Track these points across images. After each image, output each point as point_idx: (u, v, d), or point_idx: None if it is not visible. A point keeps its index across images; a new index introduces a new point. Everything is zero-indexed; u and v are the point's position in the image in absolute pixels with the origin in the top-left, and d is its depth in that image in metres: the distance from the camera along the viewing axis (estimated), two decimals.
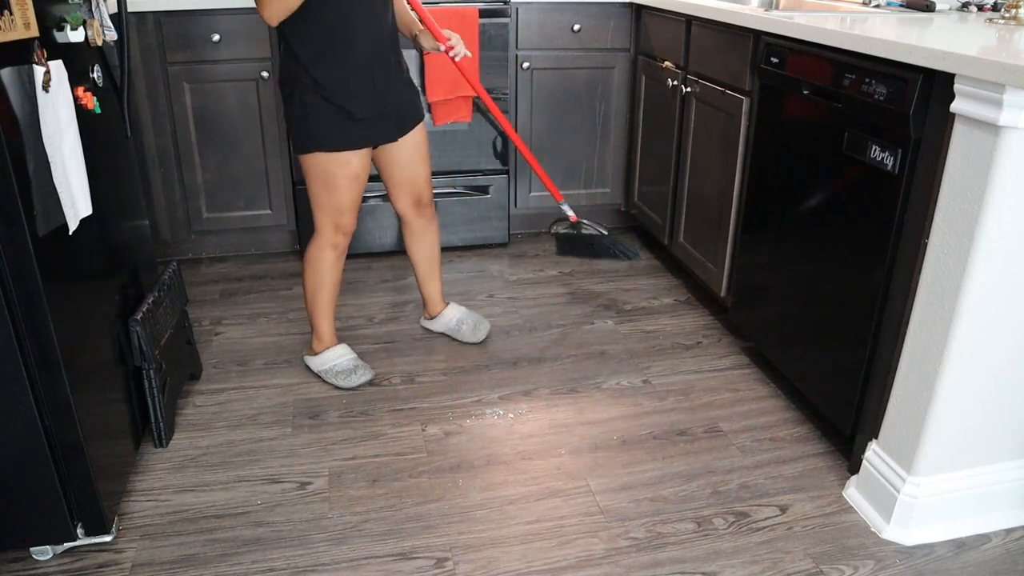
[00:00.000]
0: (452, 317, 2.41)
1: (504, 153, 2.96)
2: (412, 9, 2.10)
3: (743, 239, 2.25)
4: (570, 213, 2.69)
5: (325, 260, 2.07)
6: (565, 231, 2.72)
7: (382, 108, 1.93)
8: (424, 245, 2.30)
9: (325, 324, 2.17)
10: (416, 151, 2.09)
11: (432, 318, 2.44)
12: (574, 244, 2.75)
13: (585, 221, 2.69)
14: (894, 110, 1.54)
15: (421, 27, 2.10)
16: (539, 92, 2.96)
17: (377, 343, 2.40)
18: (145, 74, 2.66)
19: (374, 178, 2.88)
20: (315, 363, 2.19)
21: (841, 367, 1.80)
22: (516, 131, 3.00)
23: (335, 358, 2.17)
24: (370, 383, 2.18)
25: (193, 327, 2.28)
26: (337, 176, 1.93)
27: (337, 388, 2.16)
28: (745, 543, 1.63)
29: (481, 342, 2.40)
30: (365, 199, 2.91)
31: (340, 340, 2.23)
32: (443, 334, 2.46)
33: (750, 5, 2.77)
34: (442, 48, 2.09)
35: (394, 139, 2.01)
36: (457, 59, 2.16)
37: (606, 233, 2.67)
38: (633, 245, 2.64)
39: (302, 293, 2.09)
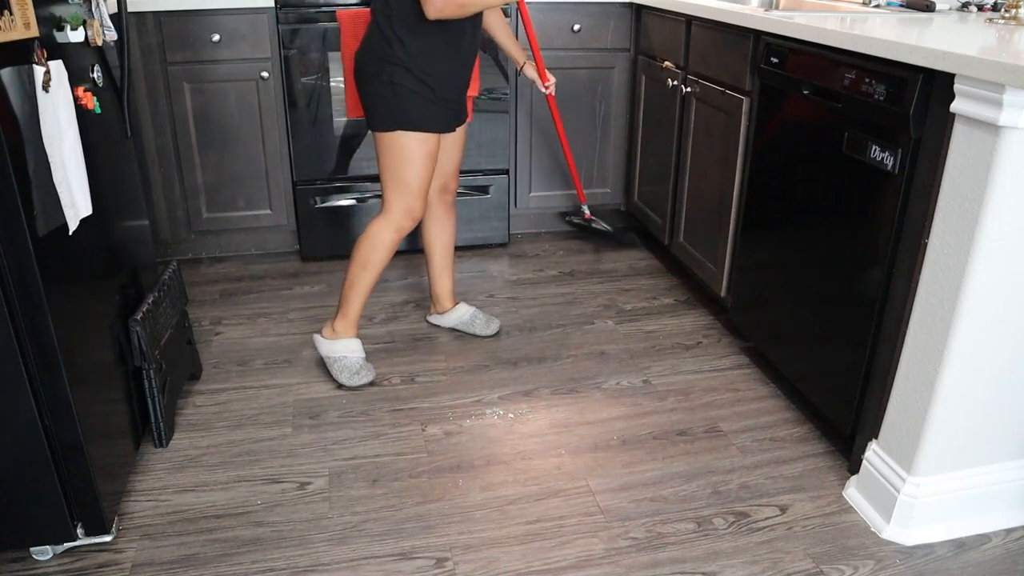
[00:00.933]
0: (465, 312, 2.45)
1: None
2: (531, 47, 2.50)
3: (743, 239, 2.25)
4: (587, 212, 3.04)
5: (386, 239, 2.09)
6: (579, 222, 3.11)
7: (454, 102, 2.09)
8: (444, 232, 2.37)
9: (357, 305, 2.16)
10: (457, 141, 2.26)
11: (442, 314, 2.46)
12: (583, 230, 3.16)
13: (595, 218, 3.06)
14: (894, 110, 1.54)
15: (526, 59, 2.44)
16: (539, 92, 2.96)
17: (377, 343, 2.40)
18: (145, 74, 2.66)
19: (375, 178, 2.89)
20: (327, 347, 2.18)
21: (841, 367, 1.80)
22: (517, 132, 3.02)
23: (349, 351, 2.17)
24: (370, 383, 2.18)
25: (193, 327, 2.28)
26: (416, 152, 2.02)
27: (337, 384, 2.16)
28: (745, 543, 1.63)
29: (492, 335, 2.44)
30: (366, 199, 2.91)
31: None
32: (450, 331, 2.47)
33: (750, 5, 2.77)
34: (540, 86, 2.49)
35: (452, 130, 2.15)
36: (548, 93, 2.55)
37: (611, 230, 3.05)
38: (633, 237, 3.14)
39: (342, 278, 2.04)
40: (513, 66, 2.86)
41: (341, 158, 2.85)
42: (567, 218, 3.17)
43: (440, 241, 2.37)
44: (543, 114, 3.00)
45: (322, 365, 2.25)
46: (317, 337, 2.22)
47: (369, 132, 2.82)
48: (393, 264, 2.96)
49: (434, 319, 2.49)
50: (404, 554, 1.59)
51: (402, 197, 2.06)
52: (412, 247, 3.03)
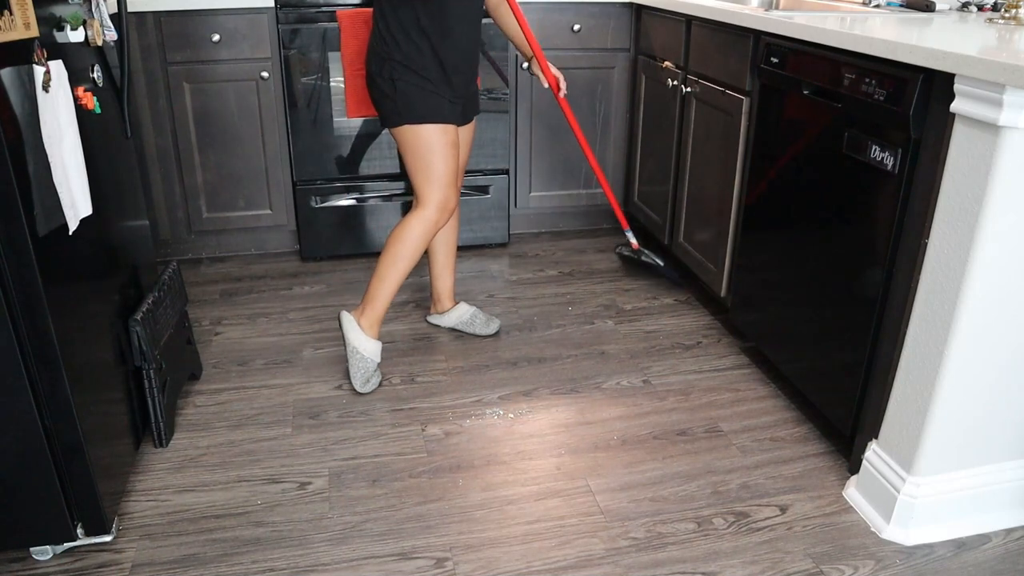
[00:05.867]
0: (465, 311, 2.45)
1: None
2: (530, 45, 2.31)
3: (743, 239, 2.25)
4: (633, 241, 2.77)
5: (419, 233, 2.06)
6: (628, 254, 2.85)
7: (459, 97, 2.09)
8: (449, 230, 2.37)
9: (383, 302, 2.11)
10: (466, 139, 2.27)
11: (442, 314, 2.46)
12: (635, 265, 2.94)
13: (645, 251, 2.78)
14: (894, 110, 1.54)
15: (531, 54, 2.33)
16: (539, 92, 2.96)
17: None
18: (145, 74, 2.66)
19: (374, 178, 2.90)
20: (358, 336, 2.11)
21: (841, 367, 1.80)
22: (517, 132, 3.02)
23: (372, 352, 2.13)
24: None
25: (193, 327, 2.28)
26: (435, 142, 2.03)
27: (338, 384, 2.15)
28: (745, 543, 1.63)
29: (492, 335, 2.44)
30: (366, 199, 2.91)
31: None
32: (450, 330, 2.47)
33: (750, 5, 2.77)
34: (544, 81, 2.34)
35: (461, 124, 2.15)
36: (561, 95, 2.38)
37: (661, 264, 2.75)
38: (679, 277, 2.79)
39: (374, 271, 1.98)
40: (513, 64, 2.87)
41: (341, 158, 2.85)
42: (616, 250, 2.96)
43: (444, 238, 2.38)
44: (543, 114, 3.00)
45: (323, 365, 2.26)
46: (347, 316, 2.14)
47: (369, 132, 2.82)
48: None
49: (434, 319, 2.49)
50: (404, 554, 1.59)
51: (434, 189, 2.05)
52: None
